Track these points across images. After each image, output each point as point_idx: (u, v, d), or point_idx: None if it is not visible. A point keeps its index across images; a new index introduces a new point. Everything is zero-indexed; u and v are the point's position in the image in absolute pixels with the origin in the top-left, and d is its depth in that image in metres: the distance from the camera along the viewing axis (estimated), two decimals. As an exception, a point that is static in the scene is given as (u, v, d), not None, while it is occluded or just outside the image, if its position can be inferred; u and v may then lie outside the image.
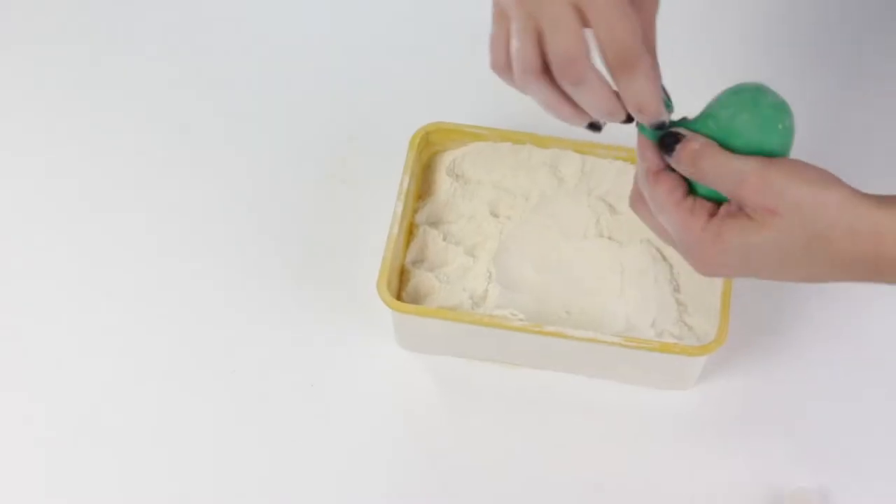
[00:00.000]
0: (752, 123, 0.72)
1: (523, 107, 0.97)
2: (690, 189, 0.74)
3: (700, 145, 0.72)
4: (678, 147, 0.72)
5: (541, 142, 0.97)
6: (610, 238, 0.95)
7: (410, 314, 0.90)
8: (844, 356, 0.95)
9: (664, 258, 0.94)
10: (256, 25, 1.15)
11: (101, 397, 0.95)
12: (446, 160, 0.99)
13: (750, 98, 0.73)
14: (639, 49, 0.71)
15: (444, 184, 0.98)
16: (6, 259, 1.02)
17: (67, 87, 1.12)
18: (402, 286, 0.94)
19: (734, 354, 0.93)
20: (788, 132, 0.73)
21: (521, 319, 0.90)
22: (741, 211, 0.71)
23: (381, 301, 0.89)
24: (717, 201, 0.73)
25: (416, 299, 0.93)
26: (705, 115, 0.74)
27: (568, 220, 0.96)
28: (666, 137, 0.73)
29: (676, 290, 0.93)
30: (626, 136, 0.82)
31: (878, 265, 0.69)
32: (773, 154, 0.72)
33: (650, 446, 0.92)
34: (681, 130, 0.73)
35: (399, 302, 0.90)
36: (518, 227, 0.96)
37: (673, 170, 0.74)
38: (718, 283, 0.90)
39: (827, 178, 0.70)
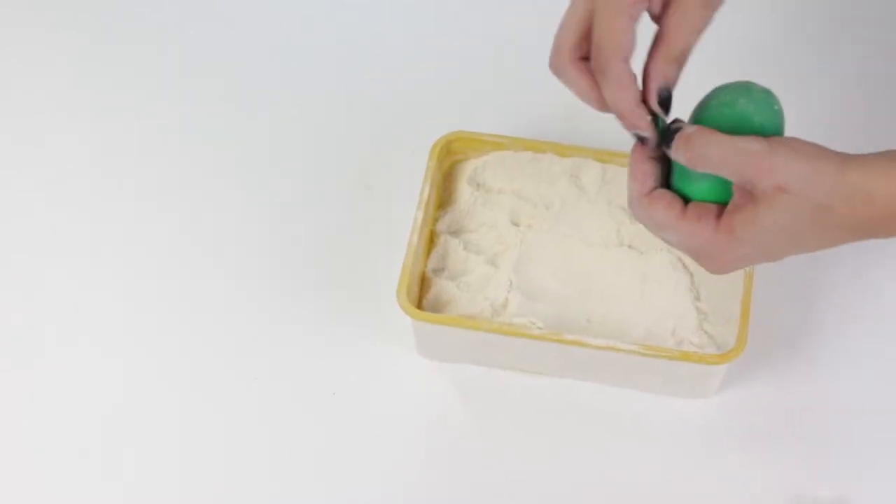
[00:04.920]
0: (748, 108, 0.73)
1: (544, 116, 0.98)
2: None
3: (699, 129, 0.72)
4: (677, 136, 0.73)
5: (562, 151, 0.97)
6: (630, 247, 0.95)
7: (430, 323, 0.90)
8: (865, 364, 0.95)
9: (685, 267, 0.94)
10: (281, 34, 1.15)
11: (122, 404, 0.96)
12: (467, 169, 0.99)
13: (741, 87, 0.74)
14: (606, 55, 0.73)
15: (464, 193, 0.98)
16: (33, 261, 1.03)
17: (107, 90, 1.13)
18: (422, 295, 0.94)
19: (754, 363, 0.93)
20: (782, 114, 0.74)
21: (540, 328, 0.90)
22: (745, 199, 0.71)
23: (401, 310, 0.89)
24: (713, 202, 0.74)
25: (437, 308, 0.94)
26: (698, 114, 0.75)
27: (588, 229, 0.96)
28: (664, 131, 0.74)
29: (697, 298, 0.93)
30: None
31: (871, 224, 0.70)
32: (773, 133, 0.73)
33: (670, 455, 0.92)
34: (677, 123, 0.73)
35: (419, 311, 0.90)
36: (539, 235, 0.96)
37: (664, 187, 0.75)
38: (739, 291, 0.90)
39: (820, 150, 0.70)
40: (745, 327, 0.87)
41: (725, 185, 0.73)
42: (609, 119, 0.77)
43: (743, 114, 0.73)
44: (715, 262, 0.75)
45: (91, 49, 1.15)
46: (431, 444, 0.94)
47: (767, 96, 0.74)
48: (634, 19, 0.75)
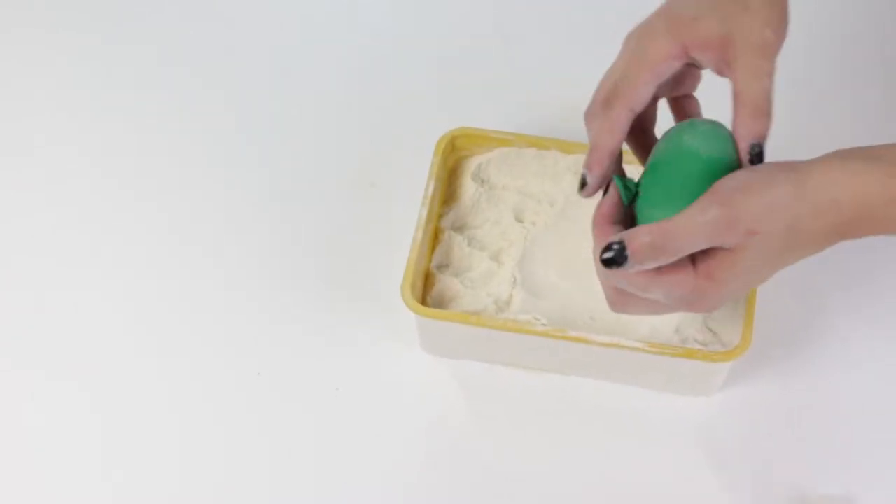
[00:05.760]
0: (693, 143, 0.74)
1: (549, 113, 0.98)
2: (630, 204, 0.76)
3: (648, 233, 0.70)
4: (632, 252, 0.71)
5: (566, 147, 0.97)
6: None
7: (434, 319, 0.90)
8: (869, 363, 0.95)
9: (689, 264, 0.94)
10: (282, 32, 1.16)
11: (125, 401, 0.96)
12: (472, 165, 0.99)
13: (686, 125, 0.76)
14: (617, 96, 0.75)
15: (469, 189, 0.98)
16: (34, 261, 1.03)
17: (107, 90, 1.13)
18: (426, 291, 0.94)
19: (758, 360, 0.93)
20: (731, 139, 0.74)
21: (544, 325, 0.90)
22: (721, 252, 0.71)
23: (405, 305, 0.89)
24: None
25: (441, 304, 0.94)
26: (652, 163, 0.76)
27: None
28: (607, 253, 0.71)
29: (701, 295, 0.93)
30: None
31: (843, 229, 0.71)
32: (724, 162, 0.73)
33: (674, 452, 0.92)
34: (613, 239, 0.71)
35: (423, 306, 0.90)
36: (543, 232, 0.96)
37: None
38: (743, 289, 0.90)
39: (771, 175, 0.70)
40: (750, 325, 0.87)
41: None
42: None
43: (689, 149, 0.74)
44: (703, 304, 0.74)
45: (91, 49, 1.15)
46: (434, 440, 0.94)
47: (713, 127, 0.75)
48: (658, 76, 0.76)
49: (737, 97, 0.74)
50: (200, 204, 1.06)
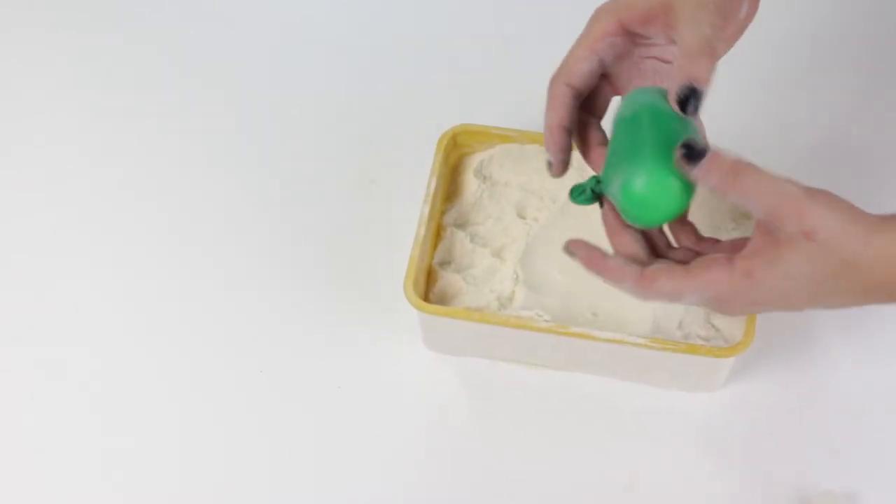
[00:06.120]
0: (628, 100, 0.76)
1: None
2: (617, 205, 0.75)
3: (736, 160, 0.69)
4: (708, 161, 0.70)
5: (568, 144, 0.97)
6: (637, 240, 0.95)
7: (437, 315, 0.90)
8: (872, 359, 0.95)
9: (691, 260, 0.94)
10: (282, 28, 1.16)
11: (127, 397, 0.96)
12: (474, 162, 0.99)
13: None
14: (555, 75, 0.78)
15: (471, 185, 0.98)
16: (33, 261, 1.03)
17: (107, 90, 1.14)
18: (429, 287, 0.94)
19: (761, 356, 0.93)
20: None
21: (546, 321, 0.90)
22: (766, 244, 0.70)
23: (407, 302, 0.89)
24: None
25: (443, 300, 0.94)
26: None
27: (595, 222, 0.95)
28: (689, 149, 0.70)
29: (704, 291, 0.93)
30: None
31: (892, 288, 0.69)
32: (658, 107, 0.74)
33: (677, 448, 0.92)
34: (697, 144, 0.70)
35: (425, 303, 0.90)
36: (545, 228, 0.96)
37: (649, 261, 0.75)
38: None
39: (854, 209, 0.69)
40: (753, 320, 0.87)
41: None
42: (614, 112, 0.78)
43: (622, 112, 0.76)
44: (732, 306, 0.73)
45: (91, 49, 1.15)
46: (437, 437, 0.93)
47: (643, 88, 0.76)
48: (595, 52, 0.77)
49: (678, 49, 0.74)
50: (200, 203, 1.06)
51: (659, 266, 0.73)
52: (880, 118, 1.07)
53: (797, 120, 1.06)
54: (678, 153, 0.70)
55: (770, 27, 1.10)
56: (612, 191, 0.74)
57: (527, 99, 1.01)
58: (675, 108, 0.72)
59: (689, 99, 0.72)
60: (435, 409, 0.94)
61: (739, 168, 0.69)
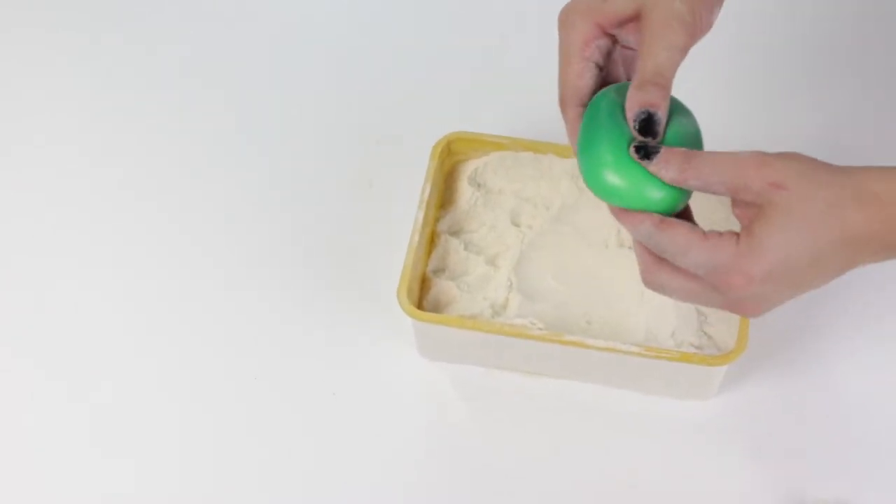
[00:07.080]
0: (595, 100, 0.75)
1: (545, 116, 0.97)
2: None
3: (685, 149, 0.71)
4: (664, 151, 0.70)
5: (562, 151, 0.97)
6: (630, 248, 0.95)
7: (431, 323, 0.90)
8: (865, 365, 0.95)
9: (685, 268, 0.94)
10: (281, 34, 1.16)
11: (122, 403, 0.96)
12: (468, 169, 0.99)
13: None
14: (564, 99, 0.77)
15: (465, 193, 0.98)
16: (33, 261, 1.03)
17: (107, 90, 1.14)
18: (423, 295, 0.94)
19: (754, 364, 0.93)
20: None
21: (540, 328, 0.90)
22: (753, 213, 0.69)
23: (401, 310, 0.89)
24: None
25: (437, 308, 0.94)
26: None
27: (589, 230, 0.96)
28: (642, 147, 0.71)
29: (697, 299, 0.93)
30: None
31: (884, 233, 0.68)
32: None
33: (670, 456, 0.92)
34: (649, 142, 0.71)
35: (419, 311, 0.90)
36: (539, 236, 0.96)
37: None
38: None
39: (814, 159, 0.69)
40: (745, 328, 0.87)
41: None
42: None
43: (589, 110, 0.74)
44: (732, 281, 0.70)
45: (91, 49, 1.16)
46: (431, 445, 0.94)
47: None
48: (589, 60, 0.76)
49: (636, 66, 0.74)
50: (199, 204, 1.06)
51: (685, 222, 0.72)
52: (879, 119, 1.07)
53: (795, 121, 1.06)
54: (632, 151, 0.71)
55: (769, 28, 1.11)
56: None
57: (522, 107, 1.02)
58: (636, 134, 0.72)
59: (649, 124, 0.71)
60: (429, 416, 0.95)
61: (692, 153, 0.70)
